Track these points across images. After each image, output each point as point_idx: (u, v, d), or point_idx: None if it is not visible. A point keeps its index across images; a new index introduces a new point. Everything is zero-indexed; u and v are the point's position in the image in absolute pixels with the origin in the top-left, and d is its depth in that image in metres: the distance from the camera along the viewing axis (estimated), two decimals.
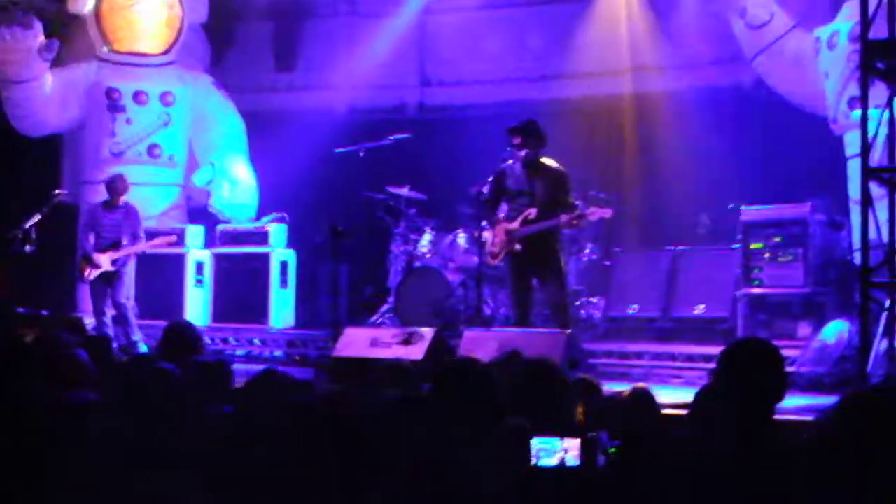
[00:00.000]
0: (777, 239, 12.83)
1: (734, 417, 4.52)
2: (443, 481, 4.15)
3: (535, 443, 3.97)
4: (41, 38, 16.40)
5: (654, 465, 4.03)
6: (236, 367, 6.96)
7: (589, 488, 3.93)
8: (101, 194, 15.03)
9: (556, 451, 3.97)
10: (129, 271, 13.93)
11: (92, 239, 13.93)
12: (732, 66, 15.52)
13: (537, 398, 4.98)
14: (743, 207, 13.15)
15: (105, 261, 13.73)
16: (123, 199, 14.05)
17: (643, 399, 5.79)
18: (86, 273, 13.88)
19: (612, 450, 3.97)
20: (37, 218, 14.37)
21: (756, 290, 12.86)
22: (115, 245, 13.75)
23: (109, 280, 13.78)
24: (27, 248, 14.40)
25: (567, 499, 3.92)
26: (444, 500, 4.14)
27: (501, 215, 12.13)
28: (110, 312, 13.91)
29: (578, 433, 3.97)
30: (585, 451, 3.94)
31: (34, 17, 16.58)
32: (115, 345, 13.19)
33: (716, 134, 14.91)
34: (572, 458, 3.94)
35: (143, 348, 13.62)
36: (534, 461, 3.97)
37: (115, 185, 14.05)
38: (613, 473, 3.97)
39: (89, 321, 14.52)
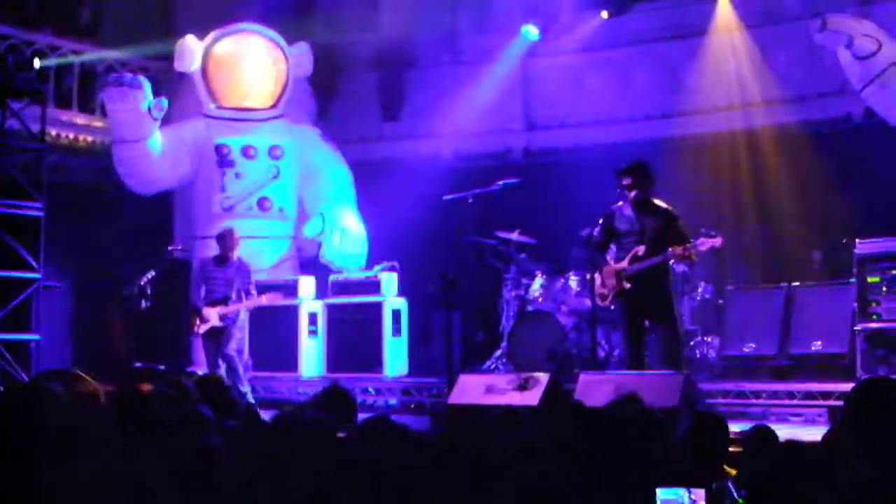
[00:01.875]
0: (894, 272, 12.61)
1: (868, 457, 4.44)
2: None
3: (660, 493, 3.92)
4: (151, 98, 16.64)
5: None
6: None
7: None
8: (213, 249, 15.21)
9: (681, 500, 3.91)
10: (241, 326, 14.02)
11: (203, 293, 14.04)
12: (841, 99, 15.37)
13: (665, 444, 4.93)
14: (857, 241, 12.95)
15: (214, 315, 13.82)
16: (235, 253, 14.14)
17: (766, 437, 5.70)
18: (195, 327, 14.00)
19: (741, 501, 3.90)
20: (151, 274, 14.58)
21: (874, 325, 12.64)
22: (226, 300, 13.83)
23: (219, 334, 13.88)
24: (143, 303, 14.60)
25: None
26: None
27: (611, 257, 12.08)
28: (223, 365, 14.03)
29: (701, 483, 3.91)
30: (711, 501, 3.88)
31: (143, 78, 16.84)
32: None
33: (827, 167, 14.74)
34: None
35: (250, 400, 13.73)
36: None
37: (226, 240, 14.16)
38: None
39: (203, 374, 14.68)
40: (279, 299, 14.51)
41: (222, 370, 13.95)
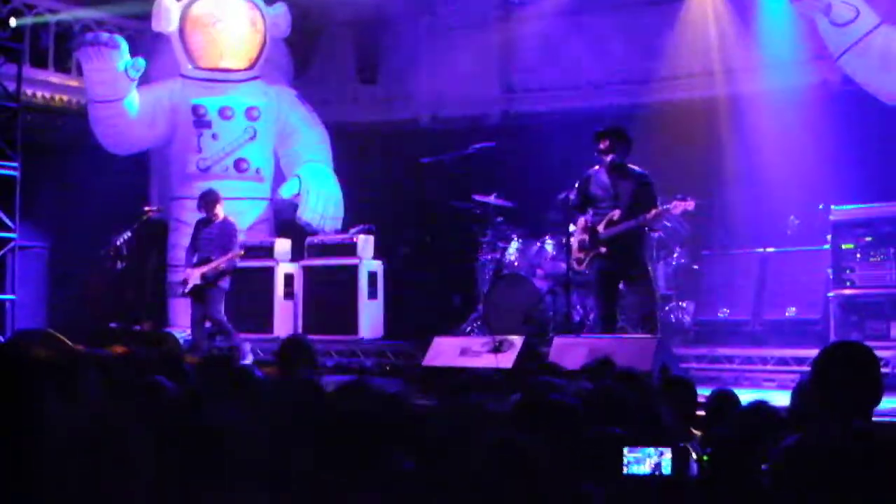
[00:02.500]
0: (868, 239, 12.68)
1: (833, 422, 4.48)
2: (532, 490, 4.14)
3: (627, 452, 3.95)
4: (127, 58, 16.58)
5: (748, 473, 4.00)
6: (326, 378, 7.02)
7: (682, 497, 3.91)
8: (189, 210, 15.17)
9: (647, 460, 3.95)
10: (221, 286, 14.03)
11: (195, 256, 14.10)
12: (818, 65, 15.40)
13: (629, 407, 4.97)
14: (833, 207, 13.00)
15: (196, 275, 13.88)
16: (220, 213, 14.17)
17: (727, 401, 5.75)
18: (181, 288, 14.11)
19: (705, 458, 3.94)
20: (127, 235, 14.54)
21: (848, 291, 12.71)
22: (207, 261, 13.88)
23: (203, 295, 13.92)
24: (119, 264, 14.58)
25: None
26: None
27: (586, 221, 12.10)
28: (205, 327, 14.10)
29: (669, 442, 3.95)
30: (677, 459, 3.91)
31: (120, 37, 16.77)
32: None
33: (803, 134, 14.75)
34: (665, 467, 3.92)
35: (249, 355, 13.74)
36: (625, 470, 3.96)
37: (204, 201, 14.19)
38: (706, 481, 3.94)
39: (180, 335, 14.70)
40: (237, 256, 14.37)
41: (202, 331, 14.00)
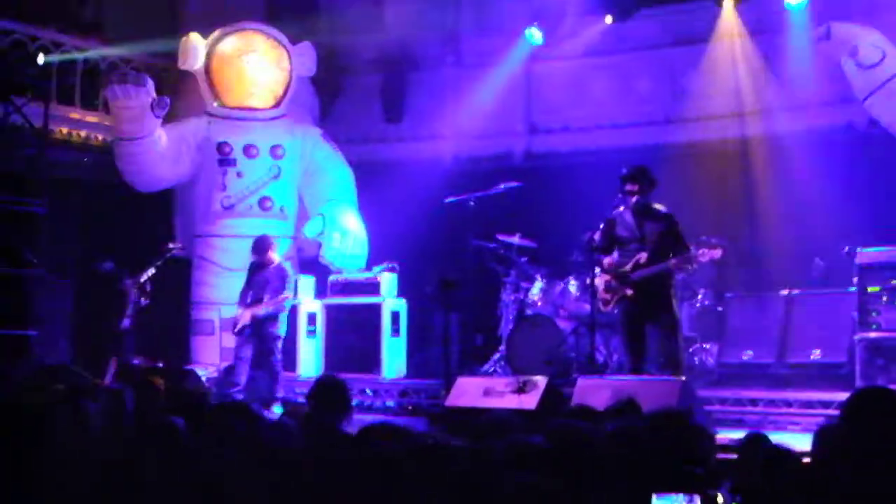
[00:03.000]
0: (894, 281, 12.60)
1: (862, 466, 4.43)
2: None
3: (656, 499, 3.91)
4: (153, 96, 16.64)
5: None
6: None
7: None
8: (213, 247, 15.20)
9: None
10: (275, 332, 14.13)
11: (249, 296, 14.19)
12: (844, 108, 15.35)
13: (660, 452, 4.92)
14: (858, 250, 12.93)
15: (245, 315, 13.98)
16: (274, 258, 14.32)
17: (759, 446, 5.68)
18: (233, 329, 14.19)
19: None
20: (150, 271, 14.57)
21: (874, 335, 12.63)
22: (258, 301, 13.97)
23: (255, 338, 14.03)
24: (141, 300, 14.62)
25: None
26: None
27: (612, 262, 12.09)
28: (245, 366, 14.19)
29: (698, 489, 3.90)
30: None
31: (146, 75, 16.83)
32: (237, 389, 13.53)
33: (828, 176, 14.71)
34: None
35: (277, 409, 13.70)
36: None
37: (257, 247, 14.34)
38: None
39: (202, 372, 14.71)
40: (285, 300, 14.44)
41: (242, 368, 14.04)
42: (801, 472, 5.34)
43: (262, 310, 13.94)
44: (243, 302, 14.25)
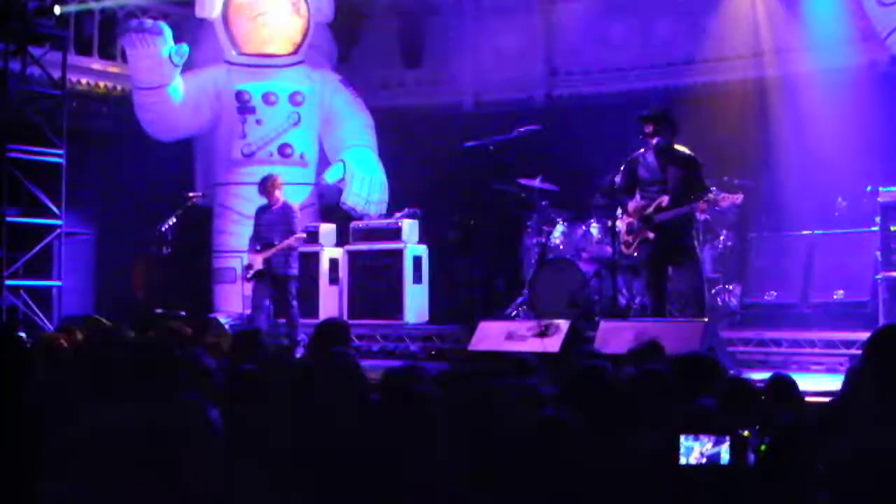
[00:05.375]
0: None
1: (885, 406, 4.43)
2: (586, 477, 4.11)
3: (684, 440, 3.92)
4: (171, 44, 16.61)
5: (807, 463, 3.96)
6: (372, 362, 7.05)
7: (739, 487, 3.87)
8: (234, 196, 15.22)
9: (703, 449, 3.91)
10: (291, 273, 14.14)
11: (258, 243, 14.18)
12: (866, 46, 15.24)
13: (687, 395, 4.92)
14: (881, 189, 12.87)
15: (257, 260, 13.97)
16: (280, 198, 14.23)
17: (786, 387, 5.69)
18: (245, 274, 14.22)
19: (763, 447, 3.89)
20: (171, 220, 14.60)
21: None
22: (269, 246, 13.95)
23: (272, 282, 14.06)
24: (163, 250, 14.65)
25: (717, 497, 3.86)
26: (588, 494, 4.11)
27: (635, 205, 12.06)
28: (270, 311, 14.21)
29: (728, 431, 3.90)
30: (735, 449, 3.87)
31: (163, 24, 16.81)
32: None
33: (850, 115, 14.60)
34: (723, 457, 3.88)
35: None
36: (682, 459, 3.92)
37: (264, 185, 14.28)
38: (764, 471, 3.89)
39: (225, 320, 14.75)
40: (301, 238, 14.45)
41: (263, 315, 14.06)
42: (827, 411, 5.35)
43: (272, 252, 13.92)
44: (252, 248, 14.25)
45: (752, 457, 3.88)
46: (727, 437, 3.87)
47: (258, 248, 14.10)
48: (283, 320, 14.24)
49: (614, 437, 4.53)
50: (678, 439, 3.90)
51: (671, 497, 3.89)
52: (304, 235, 14.46)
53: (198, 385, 5.62)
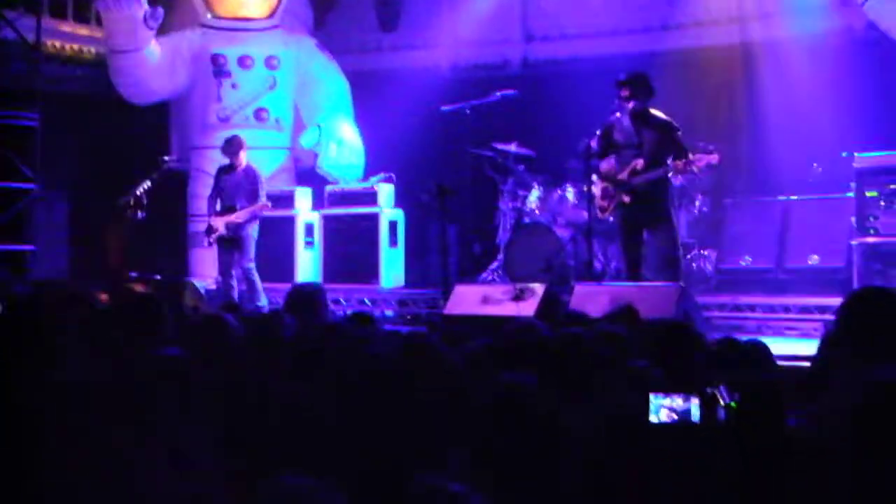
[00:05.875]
0: (892, 186, 12.57)
1: (857, 369, 4.44)
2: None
3: (653, 398, 3.92)
4: (146, 7, 16.52)
5: (777, 420, 3.97)
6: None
7: (709, 444, 3.87)
8: (209, 159, 15.17)
9: (675, 405, 3.91)
10: (251, 234, 14.01)
11: (218, 204, 14.07)
12: (842, 11, 15.23)
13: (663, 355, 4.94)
14: (856, 154, 12.90)
15: (220, 224, 13.87)
16: (243, 160, 14.12)
17: (759, 353, 5.69)
18: (207, 238, 14.10)
19: (733, 404, 3.89)
20: (147, 184, 14.53)
21: (871, 239, 12.62)
22: (232, 209, 13.86)
23: (233, 244, 13.91)
24: (138, 214, 14.59)
25: (687, 454, 3.87)
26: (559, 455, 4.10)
27: (609, 168, 12.06)
28: (236, 275, 14.08)
29: (697, 388, 3.91)
30: (705, 406, 3.87)
31: None
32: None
33: (826, 81, 14.63)
34: (693, 415, 3.89)
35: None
36: (653, 418, 3.92)
37: (228, 147, 14.14)
38: (734, 428, 3.90)
39: (201, 284, 14.72)
40: (266, 208, 14.42)
41: (234, 279, 13.99)
42: (803, 374, 5.37)
43: (238, 218, 13.85)
44: (212, 209, 14.16)
45: (721, 414, 3.88)
46: (696, 395, 3.88)
47: (218, 210, 14.01)
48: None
49: (586, 397, 4.53)
50: (648, 397, 3.90)
51: (643, 455, 3.89)
52: (269, 204, 14.38)
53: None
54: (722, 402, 3.86)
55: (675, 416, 3.89)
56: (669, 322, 6.36)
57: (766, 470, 3.79)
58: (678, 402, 3.89)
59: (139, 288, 9.50)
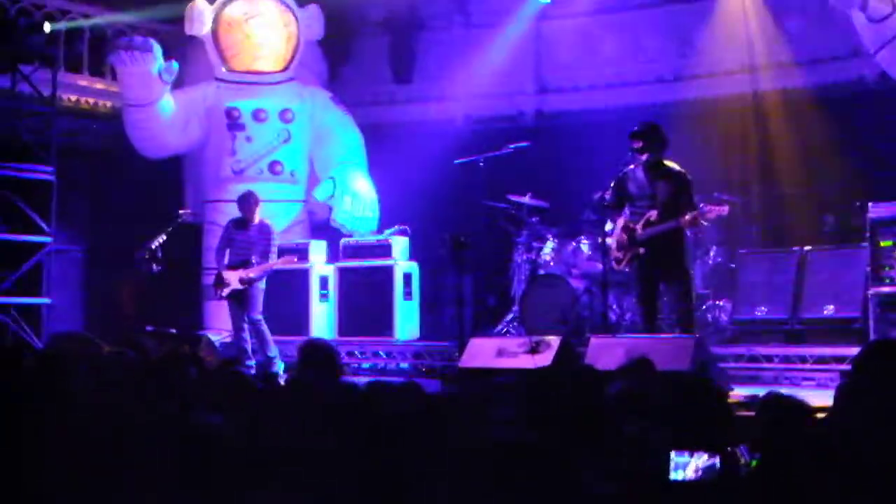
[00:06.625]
0: None
1: (876, 419, 4.43)
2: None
3: (674, 456, 3.91)
4: (161, 61, 16.61)
5: (798, 477, 3.95)
6: (364, 379, 6.99)
7: (731, 502, 3.86)
8: (223, 213, 15.21)
9: (694, 465, 3.90)
10: (260, 287, 14.01)
11: (226, 257, 14.07)
12: (855, 62, 15.28)
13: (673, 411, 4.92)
14: (870, 205, 12.90)
15: (234, 279, 13.85)
16: (257, 216, 14.13)
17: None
18: (217, 291, 14.07)
19: (753, 462, 3.89)
20: (162, 238, 14.57)
21: (887, 289, 12.59)
22: (245, 263, 13.85)
23: (242, 298, 13.91)
24: (153, 267, 14.61)
25: None
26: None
27: (624, 221, 12.07)
28: (248, 329, 14.06)
29: (718, 447, 3.90)
30: (725, 464, 3.87)
31: (153, 41, 16.80)
32: (252, 361, 13.49)
33: (840, 130, 14.67)
34: (714, 471, 3.88)
35: (279, 365, 13.78)
36: (673, 475, 3.91)
37: (244, 202, 14.15)
38: (755, 487, 3.89)
39: (216, 338, 14.72)
40: (293, 262, 14.55)
41: (246, 333, 13.99)
42: (817, 428, 5.34)
43: (254, 272, 13.86)
44: (220, 261, 14.13)
45: (742, 472, 3.88)
46: (718, 455, 3.87)
47: (229, 264, 13.99)
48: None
49: (598, 456, 4.51)
50: (668, 456, 3.89)
51: None
52: (295, 259, 14.45)
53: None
54: (742, 461, 3.86)
55: (697, 475, 3.88)
56: (687, 377, 6.32)
57: None
58: (702, 459, 3.88)
59: (152, 342, 9.50)
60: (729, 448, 3.86)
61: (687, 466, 3.89)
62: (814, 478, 3.92)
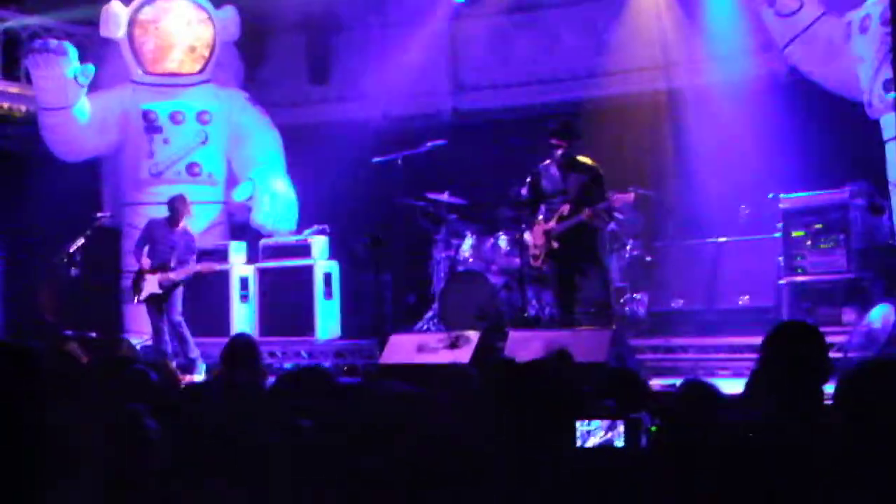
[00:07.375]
0: (818, 226, 12.83)
1: (780, 397, 4.56)
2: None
3: (580, 425, 4.01)
4: (76, 64, 16.53)
5: (698, 443, 4.06)
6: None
7: (634, 468, 3.96)
8: (142, 215, 15.19)
9: (600, 433, 4.00)
10: (180, 289, 14.02)
11: (146, 254, 14.03)
12: (765, 56, 15.50)
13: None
14: (782, 196, 13.12)
15: (153, 282, 13.84)
16: (184, 221, 14.14)
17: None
18: (135, 295, 14.05)
19: (653, 428, 4.00)
20: (80, 242, 14.49)
21: (799, 278, 12.85)
22: (164, 267, 13.84)
23: (161, 300, 13.89)
24: (72, 271, 14.53)
25: (613, 479, 3.95)
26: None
27: (540, 217, 12.18)
28: (167, 331, 14.05)
29: (621, 415, 4.00)
30: (629, 431, 3.97)
31: (68, 43, 16.71)
32: (174, 362, 13.46)
33: (751, 124, 14.85)
34: (617, 440, 3.98)
35: (201, 367, 13.77)
36: (579, 443, 4.01)
37: (175, 205, 14.17)
38: (656, 452, 4.00)
39: (136, 341, 14.67)
40: (214, 268, 14.57)
41: (166, 334, 13.97)
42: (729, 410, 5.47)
43: (178, 276, 13.85)
44: (140, 257, 14.09)
45: (644, 439, 3.98)
46: (621, 421, 3.97)
47: (148, 266, 13.97)
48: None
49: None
50: (574, 423, 3.99)
51: (570, 480, 3.97)
52: (217, 268, 14.52)
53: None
54: (644, 429, 3.96)
55: (600, 442, 3.98)
56: (606, 367, 6.44)
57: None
58: (602, 426, 3.98)
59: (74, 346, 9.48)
60: (632, 415, 3.96)
61: (590, 435, 3.99)
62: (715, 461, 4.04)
